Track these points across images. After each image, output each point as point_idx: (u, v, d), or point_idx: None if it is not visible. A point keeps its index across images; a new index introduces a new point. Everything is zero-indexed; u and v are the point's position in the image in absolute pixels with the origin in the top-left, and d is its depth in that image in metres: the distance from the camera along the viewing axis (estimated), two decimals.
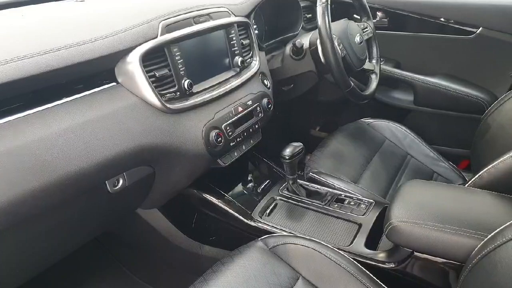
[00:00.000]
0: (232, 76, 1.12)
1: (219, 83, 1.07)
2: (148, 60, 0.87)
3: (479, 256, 0.65)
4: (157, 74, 0.88)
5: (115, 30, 0.83)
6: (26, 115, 0.69)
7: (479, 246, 0.68)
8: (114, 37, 0.81)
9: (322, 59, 1.29)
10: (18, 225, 0.72)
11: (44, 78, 0.70)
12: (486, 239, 0.67)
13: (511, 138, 1.11)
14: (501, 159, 0.90)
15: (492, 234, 0.65)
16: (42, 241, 0.87)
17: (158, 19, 0.92)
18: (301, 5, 1.56)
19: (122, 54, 0.83)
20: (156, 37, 0.89)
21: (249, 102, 1.14)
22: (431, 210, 0.85)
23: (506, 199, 0.86)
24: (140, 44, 0.85)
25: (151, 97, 0.87)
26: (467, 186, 0.99)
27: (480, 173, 0.96)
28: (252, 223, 1.15)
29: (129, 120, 0.83)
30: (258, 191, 1.29)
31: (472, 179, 0.98)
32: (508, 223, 0.63)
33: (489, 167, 0.93)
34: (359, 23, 1.47)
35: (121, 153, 0.80)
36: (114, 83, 0.85)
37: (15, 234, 0.75)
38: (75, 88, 0.78)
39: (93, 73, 0.81)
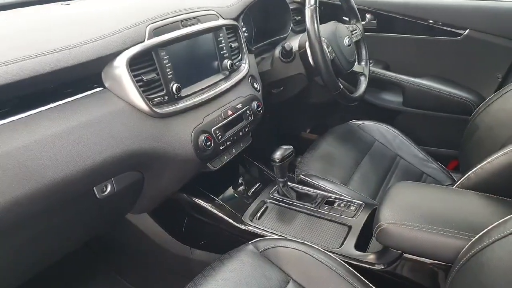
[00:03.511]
0: (221, 80, 1.12)
1: (208, 86, 1.07)
2: (135, 64, 0.86)
3: (467, 256, 0.66)
4: (144, 78, 0.88)
5: (101, 34, 0.82)
6: (10, 122, 0.67)
7: (466, 246, 0.69)
8: (100, 41, 0.81)
9: (311, 62, 1.29)
10: (4, 231, 0.71)
11: (29, 84, 0.69)
12: (473, 240, 0.68)
13: (498, 139, 1.12)
14: (488, 160, 0.91)
15: (479, 235, 0.66)
16: (30, 246, 0.86)
17: (145, 22, 0.91)
18: (290, 7, 1.56)
19: (108, 58, 0.82)
20: (144, 41, 0.89)
21: (239, 106, 1.14)
22: (420, 212, 0.86)
23: (493, 200, 0.87)
24: (127, 48, 0.85)
25: (139, 101, 0.86)
26: (455, 187, 1.00)
27: (468, 174, 0.96)
28: (243, 227, 1.15)
29: (117, 125, 0.82)
30: (249, 194, 1.29)
31: (460, 180, 0.99)
32: (495, 224, 0.63)
33: (476, 168, 0.94)
34: (348, 25, 1.48)
35: (108, 158, 0.80)
36: (101, 88, 0.84)
37: (1, 240, 0.74)
38: (62, 93, 0.77)
39: (79, 78, 0.79)
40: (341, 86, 1.28)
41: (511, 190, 0.88)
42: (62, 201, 0.77)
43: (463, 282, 0.66)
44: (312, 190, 1.26)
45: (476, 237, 0.67)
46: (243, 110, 1.15)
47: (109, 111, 0.82)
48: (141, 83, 0.87)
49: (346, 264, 0.90)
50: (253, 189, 1.31)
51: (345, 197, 1.22)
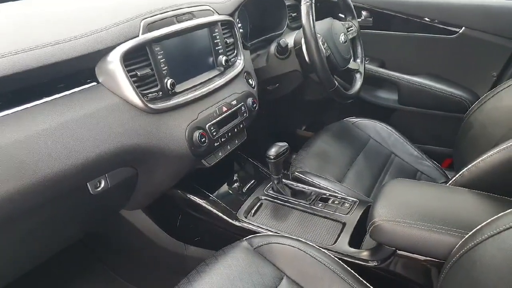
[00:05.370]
0: (216, 76, 1.11)
1: (203, 82, 1.06)
2: (129, 59, 0.86)
3: (459, 253, 0.66)
4: (138, 74, 0.87)
5: (95, 28, 0.81)
6: (3, 116, 0.67)
7: (459, 243, 0.69)
8: (94, 36, 0.80)
9: (307, 59, 1.29)
10: None
11: (21, 78, 0.68)
12: (466, 237, 0.68)
13: (492, 137, 1.12)
14: (482, 157, 0.91)
15: (472, 232, 0.66)
16: (23, 242, 0.86)
17: (140, 17, 0.90)
18: (286, 3, 1.55)
19: (102, 53, 0.81)
20: (138, 35, 0.88)
21: (234, 102, 1.14)
22: (414, 209, 0.86)
23: (486, 197, 0.88)
24: (121, 43, 0.84)
25: (133, 97, 0.85)
26: (449, 184, 1.00)
27: (462, 171, 0.97)
28: (237, 223, 1.15)
29: (111, 121, 0.81)
30: (243, 191, 1.29)
31: (454, 178, 0.99)
32: (487, 221, 0.64)
33: (470, 165, 0.94)
34: (343, 22, 1.48)
35: (102, 154, 0.79)
36: (94, 83, 0.83)
37: None
38: (55, 87, 0.76)
39: (73, 72, 0.79)
40: (336, 83, 1.28)
41: (504, 187, 0.89)
42: (55, 196, 0.76)
43: (455, 279, 0.66)
44: (306, 187, 1.26)
45: (469, 234, 0.67)
46: (238, 106, 1.15)
47: (103, 106, 0.81)
48: (135, 78, 0.87)
49: (340, 261, 0.90)
50: (247, 186, 1.31)
51: (339, 194, 1.22)
